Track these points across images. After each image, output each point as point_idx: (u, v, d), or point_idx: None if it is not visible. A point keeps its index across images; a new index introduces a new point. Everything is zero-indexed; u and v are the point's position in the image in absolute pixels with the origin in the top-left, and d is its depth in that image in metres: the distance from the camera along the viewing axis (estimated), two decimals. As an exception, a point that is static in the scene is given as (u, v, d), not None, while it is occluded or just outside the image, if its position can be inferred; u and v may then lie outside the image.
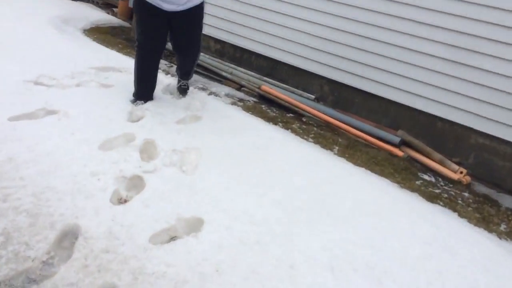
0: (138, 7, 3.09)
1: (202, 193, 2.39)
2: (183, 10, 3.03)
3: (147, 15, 3.04)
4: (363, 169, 3.22)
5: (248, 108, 4.10)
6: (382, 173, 3.26)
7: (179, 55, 3.56)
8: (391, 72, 3.97)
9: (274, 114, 4.15)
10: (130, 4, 6.11)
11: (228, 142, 3.01)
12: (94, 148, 2.62)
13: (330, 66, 4.42)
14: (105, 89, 3.48)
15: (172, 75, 4.44)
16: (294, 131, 3.78)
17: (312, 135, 3.79)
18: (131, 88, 3.41)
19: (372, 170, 3.25)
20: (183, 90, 3.70)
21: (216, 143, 2.95)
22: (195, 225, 2.16)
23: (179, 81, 3.73)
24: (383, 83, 4.06)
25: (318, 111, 4.29)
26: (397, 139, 3.83)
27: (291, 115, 4.28)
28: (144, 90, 3.34)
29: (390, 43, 3.90)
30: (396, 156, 3.66)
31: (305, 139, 3.65)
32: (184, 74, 3.68)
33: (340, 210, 2.47)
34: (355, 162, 3.32)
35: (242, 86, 4.78)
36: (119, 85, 3.60)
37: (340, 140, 3.78)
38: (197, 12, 3.16)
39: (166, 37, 3.24)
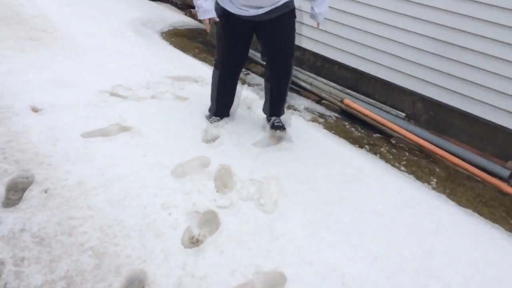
0: (219, 22, 2.72)
1: (283, 238, 2.06)
2: (266, 14, 2.57)
3: (227, 26, 2.69)
4: (470, 211, 2.72)
5: (330, 126, 3.71)
6: (492, 216, 2.74)
7: (269, 72, 2.97)
8: (501, 93, 3.38)
9: (359, 134, 3.73)
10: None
11: (312, 171, 2.66)
12: (167, 173, 2.38)
13: (424, 80, 3.89)
14: (180, 102, 3.27)
15: (250, 85, 4.17)
16: (383, 157, 3.34)
17: (404, 162, 3.33)
18: (207, 101, 3.17)
19: (481, 213, 2.74)
20: (278, 127, 3.01)
21: (298, 173, 2.62)
22: (276, 282, 1.84)
23: (269, 118, 3.13)
24: (490, 104, 3.48)
25: (410, 132, 3.80)
26: (507, 173, 3.26)
27: (378, 135, 3.83)
28: (220, 107, 3.07)
29: (502, 58, 3.32)
30: (506, 194, 3.10)
31: (397, 167, 3.20)
32: (275, 104, 3.08)
33: (453, 276, 2.03)
34: (458, 201, 2.83)
35: (322, 98, 4.39)
36: (194, 97, 3.37)
37: (437, 169, 3.28)
38: (285, 16, 2.65)
39: (247, 52, 2.88)
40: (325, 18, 2.90)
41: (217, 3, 2.61)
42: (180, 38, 5.50)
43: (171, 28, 5.90)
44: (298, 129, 3.23)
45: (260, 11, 2.53)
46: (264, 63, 3.04)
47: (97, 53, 3.91)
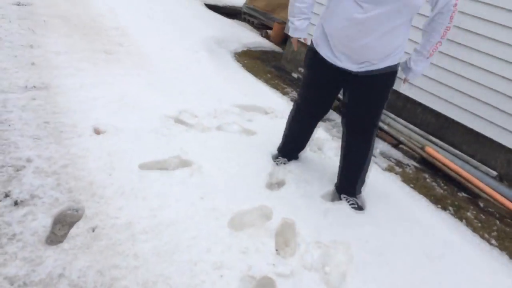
0: (307, 58, 2.41)
1: (350, 329, 1.72)
2: (364, 73, 2.16)
3: (315, 70, 2.35)
4: None
5: (409, 179, 3.30)
6: None
7: (345, 136, 2.50)
8: None
9: (442, 191, 3.28)
10: (286, 30, 5.71)
11: (388, 239, 2.29)
12: (223, 223, 2.13)
13: (525, 137, 3.38)
14: (246, 137, 3.03)
15: (322, 121, 3.86)
16: (469, 223, 2.88)
17: (495, 233, 2.84)
18: (275, 139, 2.91)
19: None
20: (354, 209, 2.51)
21: (372, 240, 2.26)
22: None
23: (341, 194, 2.60)
24: None
25: (502, 195, 3.29)
26: None
27: (463, 194, 3.36)
28: (290, 150, 2.81)
29: None
30: None
31: (486, 239, 2.73)
32: (348, 179, 2.55)
33: None
34: None
35: (400, 142, 3.98)
36: (262, 133, 3.13)
37: (536, 249, 2.77)
38: (384, 79, 2.19)
39: (331, 104, 2.49)
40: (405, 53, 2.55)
41: (309, 48, 2.36)
42: (253, 61, 5.32)
43: (245, 49, 5.75)
44: (373, 181, 2.86)
45: (360, 67, 2.14)
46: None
47: (168, 72, 3.80)
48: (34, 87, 3.01)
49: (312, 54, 2.31)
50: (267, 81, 4.68)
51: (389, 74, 2.17)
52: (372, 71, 2.13)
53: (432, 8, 2.07)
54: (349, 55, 2.13)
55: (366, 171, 2.51)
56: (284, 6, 6.65)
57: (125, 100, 3.09)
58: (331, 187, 2.67)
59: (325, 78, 2.33)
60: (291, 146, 2.78)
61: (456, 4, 2.01)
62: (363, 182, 2.55)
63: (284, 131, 2.78)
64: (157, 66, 3.86)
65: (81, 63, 3.53)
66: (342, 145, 2.55)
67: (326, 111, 2.54)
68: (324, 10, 2.21)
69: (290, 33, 2.38)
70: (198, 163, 2.54)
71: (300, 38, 2.38)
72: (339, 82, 2.33)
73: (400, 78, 2.35)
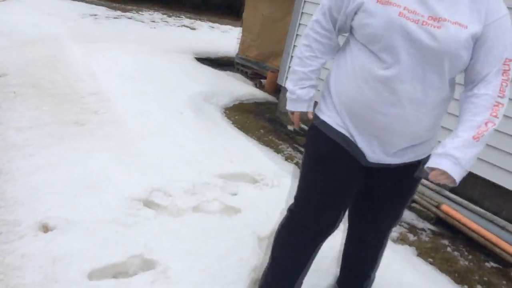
0: (309, 141, 1.68)
1: None
2: (395, 155, 1.53)
3: (323, 159, 1.60)
4: None
5: (425, 251, 2.79)
6: None
7: (354, 239, 1.96)
8: None
9: (466, 263, 2.76)
10: (279, 81, 5.37)
11: None
12: None
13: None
14: (228, 218, 2.58)
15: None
16: (506, 309, 2.34)
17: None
18: (262, 217, 2.46)
19: None
20: None
21: None
22: None
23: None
24: None
25: (539, 263, 2.76)
26: None
27: (491, 264, 2.83)
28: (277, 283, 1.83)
29: None
30: None
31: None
32: (355, 277, 2.03)
33: None
34: None
35: (413, 201, 3.49)
36: (248, 209, 2.68)
37: None
38: (414, 164, 1.57)
39: (345, 210, 1.71)
40: None
41: (316, 116, 1.64)
42: (244, 116, 4.95)
43: (236, 102, 5.41)
44: (383, 264, 2.35)
45: (393, 158, 1.52)
46: None
47: (144, 141, 3.41)
48: (-17, 174, 2.62)
49: (317, 136, 1.60)
50: (259, 139, 4.28)
51: (423, 160, 1.54)
52: (403, 153, 1.52)
53: (472, 64, 1.38)
54: (373, 137, 1.49)
55: (379, 262, 2.01)
56: (277, 54, 6.37)
57: (86, 181, 2.68)
58: (327, 280, 2.17)
59: (338, 173, 1.58)
60: (276, 277, 1.82)
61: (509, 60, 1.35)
62: (374, 278, 2.05)
63: (271, 254, 1.84)
64: (132, 135, 3.47)
65: (45, 139, 3.16)
66: (345, 244, 2.02)
67: (337, 224, 1.67)
68: (332, 70, 1.60)
69: (289, 107, 1.70)
70: (165, 263, 2.07)
71: (303, 111, 1.70)
72: (359, 178, 1.60)
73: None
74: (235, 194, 2.87)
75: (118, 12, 10.47)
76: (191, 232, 2.36)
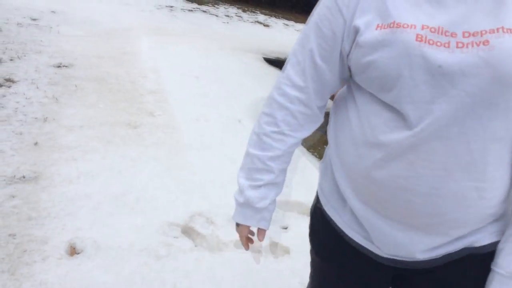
0: (313, 233, 1.18)
1: None
2: (430, 252, 0.92)
3: (336, 263, 1.09)
4: None
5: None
6: None
7: None
8: None
9: None
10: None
11: None
12: None
13: None
14: (274, 261, 2.23)
15: None
16: None
17: None
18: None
19: None
20: None
21: None
22: None
23: None
24: None
25: None
26: None
27: None
28: None
29: None
30: None
31: None
32: None
33: None
34: None
35: None
36: (297, 253, 2.32)
37: None
38: (465, 261, 0.92)
39: None
40: None
41: (316, 207, 1.13)
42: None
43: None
44: None
45: (432, 254, 0.92)
46: None
47: (194, 152, 3.15)
48: (23, 177, 2.49)
49: (322, 224, 1.10)
50: (320, 155, 3.87)
51: (477, 257, 0.92)
52: (442, 249, 0.92)
53: None
54: (413, 231, 0.90)
55: None
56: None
57: (125, 197, 2.46)
58: None
59: (355, 276, 1.07)
60: None
61: None
62: None
63: None
64: (183, 144, 3.23)
65: (92, 141, 3.00)
66: None
67: None
68: (330, 125, 1.06)
69: (234, 216, 1.16)
70: (192, 314, 1.78)
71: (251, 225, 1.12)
72: (383, 283, 1.07)
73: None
74: (286, 228, 2.52)
75: (194, 5, 10.44)
76: (229, 273, 2.05)
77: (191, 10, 9.65)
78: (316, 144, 4.22)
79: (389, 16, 0.82)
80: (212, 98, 4.37)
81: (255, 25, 9.98)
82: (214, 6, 10.96)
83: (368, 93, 0.89)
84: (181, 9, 9.50)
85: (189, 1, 10.76)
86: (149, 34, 6.43)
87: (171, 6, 9.45)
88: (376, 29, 0.82)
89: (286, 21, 11.59)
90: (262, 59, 6.64)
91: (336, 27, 0.91)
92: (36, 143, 2.86)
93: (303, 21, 12.25)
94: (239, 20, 10.05)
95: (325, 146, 3.85)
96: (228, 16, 10.18)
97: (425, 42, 0.78)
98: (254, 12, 11.75)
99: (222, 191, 2.71)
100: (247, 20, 10.29)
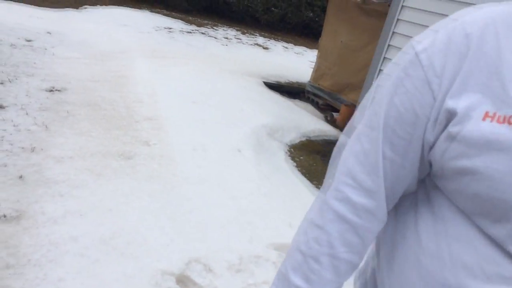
0: None
1: None
2: None
3: None
4: None
5: None
6: None
7: None
8: None
9: None
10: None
11: None
12: None
13: None
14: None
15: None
16: None
17: None
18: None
19: None
20: None
21: None
22: None
23: None
24: None
25: None
26: None
27: None
28: None
29: None
30: None
31: None
32: None
33: None
34: None
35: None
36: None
37: None
38: None
39: None
40: None
41: None
42: (311, 157, 4.37)
43: (303, 139, 4.85)
44: None
45: None
46: None
47: (191, 187, 2.94)
48: (4, 216, 2.27)
49: None
50: (325, 189, 3.66)
51: None
52: None
53: None
54: None
55: None
56: (353, 86, 5.75)
57: (115, 240, 2.24)
58: None
59: None
60: None
61: None
62: None
63: None
64: (179, 177, 3.03)
65: (82, 174, 2.79)
66: None
67: None
68: (386, 240, 0.76)
69: None
70: None
71: None
72: None
73: None
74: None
75: (193, 27, 10.36)
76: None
77: (190, 32, 9.56)
78: (321, 175, 4.03)
79: (509, 104, 0.55)
80: (211, 125, 4.18)
81: (254, 48, 9.90)
82: (213, 28, 10.90)
83: (458, 210, 0.61)
84: (180, 31, 9.41)
85: (188, 23, 10.69)
86: (147, 57, 6.29)
87: (170, 28, 9.36)
88: (485, 119, 0.55)
89: (285, 44, 11.54)
90: (262, 83, 6.49)
91: (420, 107, 0.62)
92: (21, 176, 2.65)
93: (303, 43, 12.22)
94: (238, 43, 9.97)
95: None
96: (227, 38, 10.11)
97: None
98: (253, 34, 11.70)
99: (221, 233, 2.50)
100: (246, 43, 10.22)
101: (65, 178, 2.72)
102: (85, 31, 7.05)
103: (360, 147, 0.70)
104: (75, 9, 8.70)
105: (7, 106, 3.58)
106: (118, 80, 5.00)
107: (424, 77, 0.62)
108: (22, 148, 2.99)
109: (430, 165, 0.67)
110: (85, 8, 9.00)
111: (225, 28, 11.37)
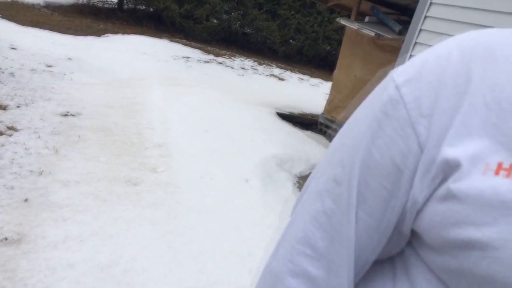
0: None
1: None
2: None
3: None
4: None
5: None
6: None
7: None
8: None
9: None
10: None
11: None
12: None
13: None
14: None
15: None
16: None
17: None
18: None
19: None
20: None
21: None
22: None
23: None
24: None
25: None
26: None
27: None
28: None
29: None
30: None
31: None
32: None
33: None
34: None
35: None
36: None
37: None
38: None
39: None
40: None
41: None
42: (320, 190, 4.30)
43: (313, 171, 4.78)
44: None
45: None
46: None
47: (194, 218, 2.92)
48: (5, 239, 2.28)
49: None
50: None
51: None
52: None
53: None
54: None
55: None
56: (366, 120, 5.70)
57: (113, 268, 2.22)
58: None
59: None
60: None
61: None
62: None
63: None
64: (183, 205, 3.01)
65: (86, 199, 2.80)
66: None
67: None
68: None
69: None
70: None
71: None
72: None
73: None
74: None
75: (211, 56, 10.57)
76: None
77: (207, 62, 9.74)
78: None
79: None
80: (220, 154, 4.19)
81: (269, 78, 10.01)
82: (231, 58, 11.09)
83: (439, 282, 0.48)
84: (197, 60, 9.59)
85: (206, 52, 10.91)
86: (162, 84, 6.40)
87: (188, 57, 9.56)
88: (498, 172, 0.41)
89: (301, 75, 11.64)
90: (275, 113, 6.52)
91: (401, 156, 0.48)
92: (26, 200, 2.67)
93: (319, 75, 12.31)
94: (254, 73, 10.10)
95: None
96: (243, 68, 10.25)
97: None
98: (270, 65, 11.85)
99: (221, 264, 2.45)
100: (262, 73, 10.34)
101: (69, 202, 2.73)
102: (104, 58, 7.25)
103: (321, 206, 0.54)
104: (97, 37, 8.99)
105: (20, 129, 3.66)
106: (133, 106, 5.08)
107: (407, 117, 0.47)
108: (31, 171, 3.03)
109: (412, 234, 0.52)
110: (107, 35, 9.29)
111: (242, 59, 11.56)
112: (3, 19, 8.11)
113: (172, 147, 4.08)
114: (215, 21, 12.75)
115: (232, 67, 9.93)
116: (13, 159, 3.12)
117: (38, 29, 8.13)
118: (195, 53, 10.31)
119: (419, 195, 0.47)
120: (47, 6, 11.15)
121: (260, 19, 12.71)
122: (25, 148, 3.33)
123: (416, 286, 0.49)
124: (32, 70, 5.48)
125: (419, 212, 0.48)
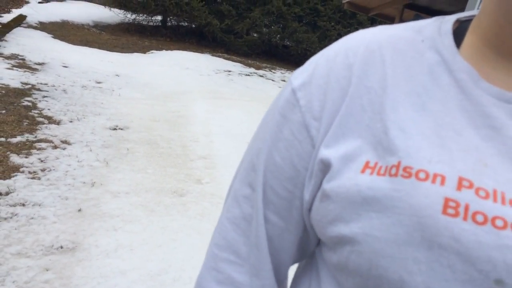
0: None
1: None
2: None
3: None
4: None
5: None
6: None
7: None
8: None
9: None
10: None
11: None
12: None
13: None
14: None
15: None
16: None
17: None
18: None
19: None
20: None
21: None
22: None
23: None
24: None
25: None
26: None
27: None
28: None
29: None
30: None
31: None
32: None
33: None
34: None
35: None
36: None
37: None
38: None
39: None
40: None
41: None
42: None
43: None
44: None
45: None
46: None
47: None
48: (61, 247, 2.39)
49: None
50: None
51: None
52: None
53: None
54: None
55: None
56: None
57: (162, 277, 2.27)
58: None
59: None
60: None
61: None
62: None
63: None
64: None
65: (136, 210, 2.89)
66: None
67: None
68: None
69: None
70: None
71: None
72: None
73: None
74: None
75: (252, 69, 10.69)
76: None
77: (248, 75, 9.86)
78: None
79: (392, 151, 0.41)
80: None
81: (310, 90, 9.97)
82: (271, 71, 11.17)
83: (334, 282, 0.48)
84: (239, 73, 9.73)
85: (247, 66, 11.05)
86: (205, 98, 6.54)
87: (229, 71, 9.71)
88: (364, 171, 0.42)
89: (342, 86, 11.51)
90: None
91: (299, 158, 0.49)
92: (79, 210, 2.79)
93: (360, 86, 12.11)
94: (295, 85, 10.09)
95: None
96: (284, 81, 10.29)
97: (464, 217, 0.36)
98: (310, 76, 11.81)
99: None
100: (303, 85, 10.31)
101: (120, 213, 2.82)
102: (150, 73, 7.50)
103: (240, 211, 0.53)
104: (142, 53, 9.33)
105: (73, 143, 3.84)
106: (177, 120, 5.22)
107: (302, 120, 0.48)
108: (84, 182, 3.16)
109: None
110: (152, 52, 9.62)
111: (283, 71, 11.62)
112: (55, 39, 8.59)
113: (216, 159, 4.14)
114: (255, 35, 12.91)
115: (272, 80, 10.00)
116: (67, 171, 3.27)
117: (88, 47, 8.54)
118: (236, 67, 10.47)
119: (306, 195, 0.48)
120: (96, 26, 11.70)
121: (300, 31, 12.75)
122: (78, 161, 3.49)
123: (321, 285, 0.50)
124: (83, 86, 5.75)
125: (309, 211, 0.49)
